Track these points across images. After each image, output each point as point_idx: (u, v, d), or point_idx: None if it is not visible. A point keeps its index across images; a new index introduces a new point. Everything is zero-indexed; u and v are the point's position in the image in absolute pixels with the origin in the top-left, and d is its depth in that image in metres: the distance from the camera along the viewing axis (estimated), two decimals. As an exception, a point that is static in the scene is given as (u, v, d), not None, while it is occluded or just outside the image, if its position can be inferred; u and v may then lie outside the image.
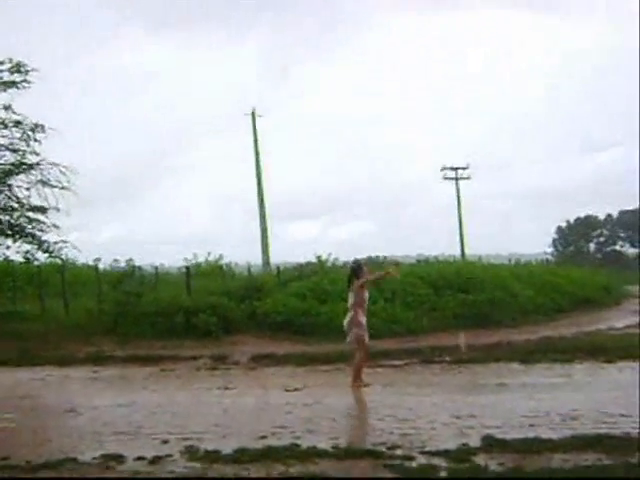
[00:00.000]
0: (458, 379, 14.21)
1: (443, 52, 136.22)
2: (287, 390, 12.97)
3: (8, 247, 24.67)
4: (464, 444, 8.10)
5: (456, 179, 63.29)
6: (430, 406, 10.86)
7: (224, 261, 34.30)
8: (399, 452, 7.84)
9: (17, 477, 7.23)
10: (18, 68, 23.50)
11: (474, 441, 8.22)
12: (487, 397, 11.73)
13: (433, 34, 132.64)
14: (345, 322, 13.08)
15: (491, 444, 8.06)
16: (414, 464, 7.37)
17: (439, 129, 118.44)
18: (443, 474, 7.08)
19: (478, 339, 19.45)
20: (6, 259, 26.57)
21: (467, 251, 58.50)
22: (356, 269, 13.29)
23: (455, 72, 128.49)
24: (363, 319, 12.98)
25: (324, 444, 8.29)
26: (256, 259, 43.70)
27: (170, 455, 7.98)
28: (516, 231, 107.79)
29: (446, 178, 63.50)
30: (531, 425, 9.12)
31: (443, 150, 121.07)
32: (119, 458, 7.87)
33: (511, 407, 10.54)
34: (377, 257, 35.28)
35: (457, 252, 56.56)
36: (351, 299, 13.05)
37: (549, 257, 72.31)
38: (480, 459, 7.46)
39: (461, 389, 12.99)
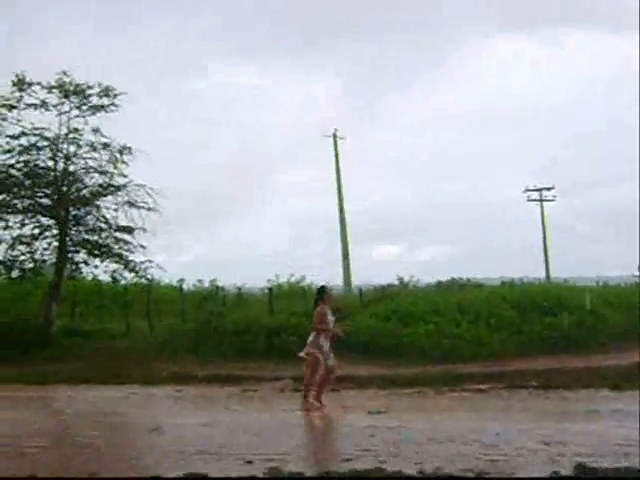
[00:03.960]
0: (546, 405, 13.86)
1: (524, 74, 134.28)
2: (370, 413, 12.84)
3: (96, 267, 25.35)
4: (555, 472, 7.79)
5: (540, 200, 62.17)
6: (518, 432, 10.55)
7: (306, 282, 34.41)
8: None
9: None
10: (107, 92, 24.18)
11: (566, 469, 7.90)
12: (577, 424, 11.36)
13: (514, 57, 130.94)
14: (308, 340, 13.40)
15: (583, 472, 7.75)
16: (503, 491, 7.14)
17: (523, 150, 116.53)
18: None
19: (566, 364, 18.95)
20: (94, 278, 27.26)
21: (552, 274, 57.22)
22: (321, 294, 13.71)
23: (537, 93, 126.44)
24: (325, 343, 13.25)
25: (409, 469, 8.11)
26: (337, 280, 43.74)
27: (254, 477, 7.90)
28: (603, 253, 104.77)
29: (530, 200, 62.45)
30: (625, 454, 8.76)
31: (528, 171, 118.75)
32: (203, 478, 7.82)
33: (603, 435, 10.17)
34: (460, 279, 34.87)
35: (542, 275, 55.45)
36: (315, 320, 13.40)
37: (638, 280, 70.24)
38: (572, 488, 7.18)
39: (549, 415, 12.68)
